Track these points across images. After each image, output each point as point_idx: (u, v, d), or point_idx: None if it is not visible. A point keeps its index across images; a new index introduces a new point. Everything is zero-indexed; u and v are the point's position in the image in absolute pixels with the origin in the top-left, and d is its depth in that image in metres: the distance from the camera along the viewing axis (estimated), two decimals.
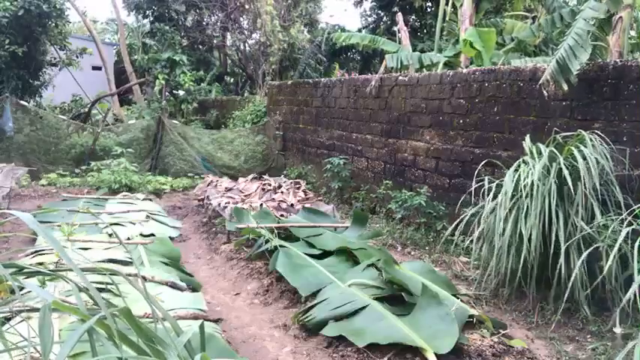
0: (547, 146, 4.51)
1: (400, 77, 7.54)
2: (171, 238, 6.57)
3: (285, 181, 9.04)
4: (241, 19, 16.68)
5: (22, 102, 10.71)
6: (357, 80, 8.71)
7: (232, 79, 20.95)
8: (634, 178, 4.35)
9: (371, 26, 17.29)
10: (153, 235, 6.28)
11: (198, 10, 15.92)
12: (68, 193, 8.88)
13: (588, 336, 3.90)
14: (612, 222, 3.93)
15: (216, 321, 4.09)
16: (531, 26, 8.66)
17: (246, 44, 16.84)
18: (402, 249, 6.21)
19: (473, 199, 5.01)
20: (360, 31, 16.82)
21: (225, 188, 8.42)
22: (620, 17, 5.48)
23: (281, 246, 5.41)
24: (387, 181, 7.47)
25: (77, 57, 14.14)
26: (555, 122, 5.06)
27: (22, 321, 2.79)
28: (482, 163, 5.43)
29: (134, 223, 6.64)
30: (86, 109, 13.37)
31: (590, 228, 3.98)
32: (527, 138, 4.84)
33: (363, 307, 3.89)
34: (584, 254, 3.81)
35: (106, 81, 17.66)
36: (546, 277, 4.27)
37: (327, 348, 3.66)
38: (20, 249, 5.47)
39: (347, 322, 3.81)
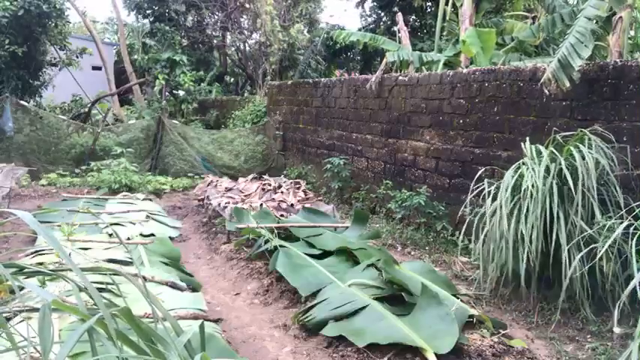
0: (547, 147, 4.51)
1: (400, 77, 7.54)
2: (171, 238, 6.57)
3: (285, 181, 9.04)
4: (241, 19, 16.68)
5: (22, 102, 10.71)
6: (357, 80, 8.71)
7: (232, 79, 20.94)
8: (634, 177, 4.35)
9: (371, 26, 17.27)
10: (153, 235, 6.28)
11: (198, 10, 15.91)
12: (68, 193, 8.89)
13: (588, 336, 3.90)
14: (612, 222, 3.93)
15: (216, 321, 4.09)
16: (531, 26, 8.66)
17: (246, 44, 16.84)
18: (402, 249, 6.21)
19: (469, 197, 5.00)
20: (360, 31, 16.80)
21: (225, 188, 8.42)
22: (620, 17, 5.48)
23: (281, 246, 5.41)
24: (387, 181, 7.47)
25: (77, 57, 14.14)
26: (555, 122, 5.06)
27: (22, 321, 2.79)
28: (482, 163, 5.43)
29: (134, 223, 6.64)
30: (86, 109, 13.36)
31: (591, 228, 3.98)
32: (527, 140, 4.82)
33: (363, 307, 3.89)
34: (582, 252, 3.81)
35: (106, 81, 17.65)
36: (546, 277, 4.27)
37: (327, 348, 3.66)
38: (20, 249, 5.47)
39: (347, 322, 3.81)
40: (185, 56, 13.96)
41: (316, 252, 5.37)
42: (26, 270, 2.19)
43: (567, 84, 4.62)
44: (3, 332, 1.74)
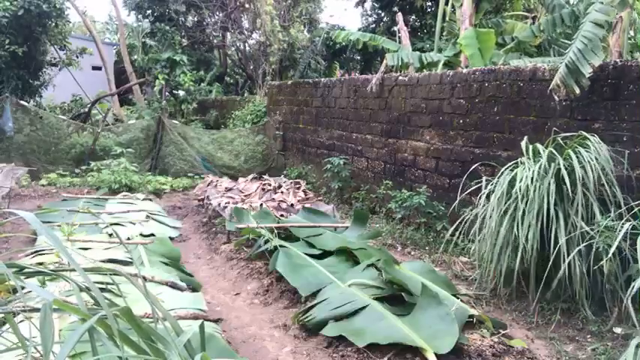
0: (546, 147, 4.51)
1: (400, 77, 7.55)
2: (171, 238, 6.57)
3: (285, 181, 9.04)
4: (241, 19, 16.67)
5: (22, 102, 10.71)
6: (357, 80, 8.71)
7: (232, 79, 20.94)
8: (634, 178, 4.36)
9: (371, 26, 17.27)
10: (153, 235, 6.28)
11: (198, 10, 15.90)
12: (68, 193, 8.88)
13: (588, 336, 3.90)
14: (612, 222, 3.94)
15: (216, 321, 4.09)
16: (531, 26, 8.67)
17: (246, 44, 16.83)
18: (402, 249, 6.21)
19: (459, 197, 5.00)
20: (360, 31, 16.80)
21: (225, 188, 8.42)
22: (620, 17, 5.48)
23: (281, 246, 5.41)
24: (387, 181, 7.47)
25: (77, 57, 14.14)
26: (555, 122, 5.06)
27: (22, 321, 2.79)
28: (482, 163, 5.43)
29: (134, 223, 6.64)
30: (86, 109, 13.36)
31: (590, 228, 3.98)
32: (525, 139, 4.82)
33: (363, 307, 3.89)
34: (582, 252, 3.81)
35: (106, 81, 17.66)
36: (546, 277, 4.27)
37: (327, 348, 3.66)
38: (20, 249, 5.47)
39: (347, 322, 3.81)
40: (185, 56, 13.95)
41: (316, 252, 5.37)
42: (26, 270, 2.20)
43: (577, 91, 4.56)
44: (3, 333, 1.75)
